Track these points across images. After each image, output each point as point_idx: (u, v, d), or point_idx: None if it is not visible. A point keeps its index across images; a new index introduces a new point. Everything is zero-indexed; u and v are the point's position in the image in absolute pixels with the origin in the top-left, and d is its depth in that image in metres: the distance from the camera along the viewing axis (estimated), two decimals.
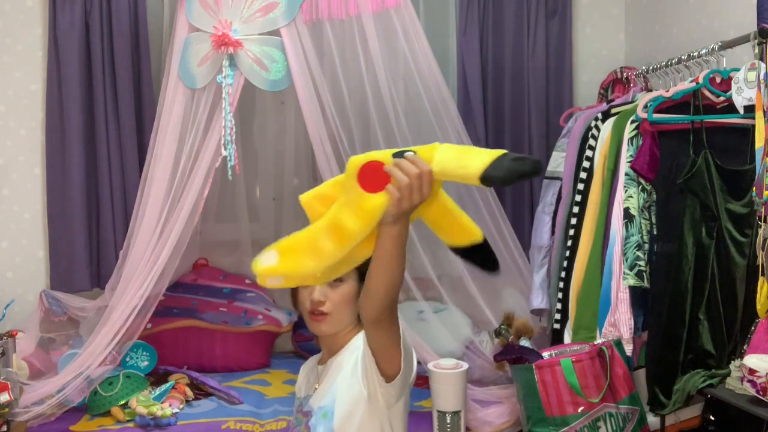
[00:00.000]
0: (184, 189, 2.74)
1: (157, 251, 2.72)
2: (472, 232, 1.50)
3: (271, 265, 1.45)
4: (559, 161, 2.92)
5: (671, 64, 2.66)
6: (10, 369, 2.64)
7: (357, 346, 1.67)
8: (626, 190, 2.38)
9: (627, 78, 3.14)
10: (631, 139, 2.42)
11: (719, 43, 2.40)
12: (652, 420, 2.40)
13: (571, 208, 2.68)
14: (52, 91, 3.17)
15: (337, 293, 1.70)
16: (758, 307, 2.04)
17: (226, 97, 2.66)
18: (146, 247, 2.73)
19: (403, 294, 3.18)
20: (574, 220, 2.65)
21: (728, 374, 2.22)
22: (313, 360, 1.87)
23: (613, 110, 2.68)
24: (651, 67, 2.83)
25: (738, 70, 2.28)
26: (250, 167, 3.45)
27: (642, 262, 2.34)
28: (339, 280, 1.68)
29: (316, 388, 1.76)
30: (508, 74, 3.45)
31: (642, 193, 2.38)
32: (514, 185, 3.38)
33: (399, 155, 1.38)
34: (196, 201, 2.73)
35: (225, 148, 2.67)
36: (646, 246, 2.37)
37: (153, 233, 2.73)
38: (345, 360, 1.70)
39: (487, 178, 1.29)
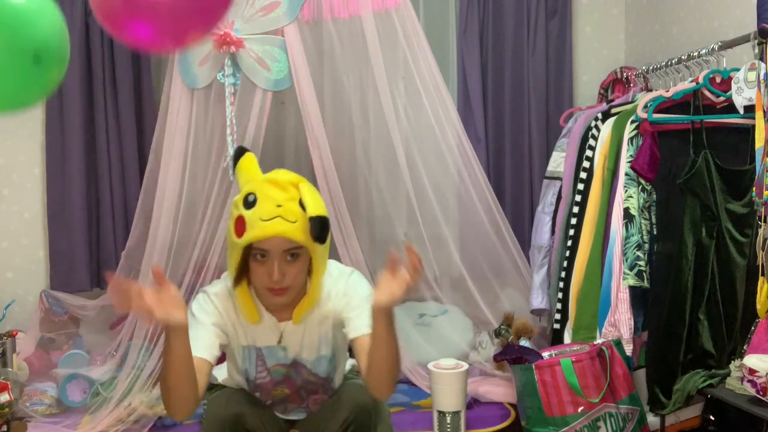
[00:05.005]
0: (191, 190, 2.76)
1: (168, 251, 2.75)
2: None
3: None
4: (559, 161, 2.92)
5: (671, 64, 2.67)
6: (10, 369, 2.64)
7: (336, 294, 1.88)
8: (626, 190, 2.39)
9: (627, 78, 3.15)
10: (631, 139, 2.42)
11: (719, 43, 2.40)
12: (652, 420, 2.40)
13: (571, 208, 2.68)
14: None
15: (295, 267, 1.77)
16: (758, 307, 2.04)
17: (228, 96, 2.66)
18: (163, 247, 2.75)
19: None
20: (574, 220, 2.65)
21: (728, 374, 2.22)
22: (232, 303, 1.87)
23: (613, 110, 2.68)
24: (651, 67, 2.83)
25: (738, 70, 2.28)
26: None
27: (642, 262, 2.34)
28: (295, 255, 1.75)
29: (290, 343, 1.91)
30: (508, 74, 3.45)
31: (642, 193, 2.39)
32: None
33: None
34: (202, 201, 2.75)
35: (228, 148, 2.67)
36: (646, 246, 2.37)
37: (169, 234, 2.75)
38: (331, 311, 1.88)
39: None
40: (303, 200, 1.71)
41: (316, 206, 1.71)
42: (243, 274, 1.82)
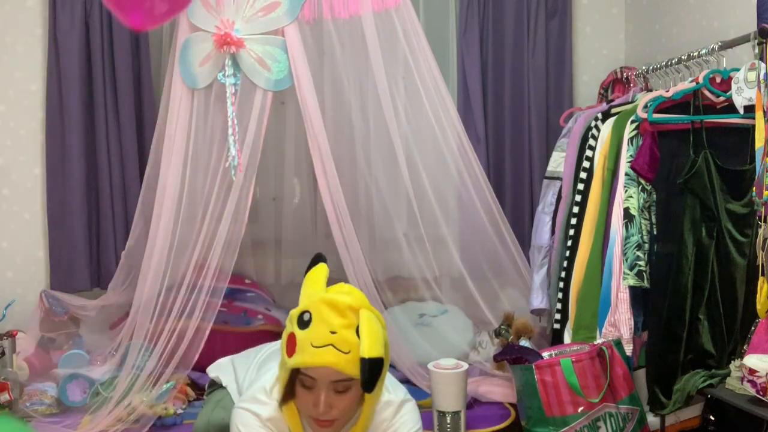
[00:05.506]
0: (191, 190, 2.76)
1: (168, 251, 2.75)
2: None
3: None
4: (559, 161, 2.92)
5: (671, 64, 2.67)
6: (10, 369, 2.64)
7: (382, 422, 1.80)
8: (626, 190, 2.39)
9: (627, 78, 3.15)
10: (631, 139, 2.42)
11: (719, 43, 2.40)
12: (652, 420, 2.40)
13: (571, 208, 2.68)
14: (52, 91, 3.17)
15: (344, 400, 1.68)
16: (758, 307, 2.04)
17: (229, 97, 2.66)
18: (163, 247, 2.75)
19: (404, 294, 3.18)
20: (574, 220, 2.66)
21: (728, 374, 2.22)
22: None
23: (613, 110, 2.68)
24: (651, 67, 2.83)
25: (738, 70, 2.28)
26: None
27: (642, 262, 2.34)
28: (346, 387, 1.67)
29: None
30: (508, 74, 3.45)
31: (642, 193, 2.39)
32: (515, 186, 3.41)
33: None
34: (202, 201, 2.75)
35: (230, 148, 2.67)
36: (646, 246, 2.37)
37: (169, 234, 2.75)
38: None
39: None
40: (360, 333, 1.60)
41: (372, 344, 1.60)
42: (292, 393, 1.74)
